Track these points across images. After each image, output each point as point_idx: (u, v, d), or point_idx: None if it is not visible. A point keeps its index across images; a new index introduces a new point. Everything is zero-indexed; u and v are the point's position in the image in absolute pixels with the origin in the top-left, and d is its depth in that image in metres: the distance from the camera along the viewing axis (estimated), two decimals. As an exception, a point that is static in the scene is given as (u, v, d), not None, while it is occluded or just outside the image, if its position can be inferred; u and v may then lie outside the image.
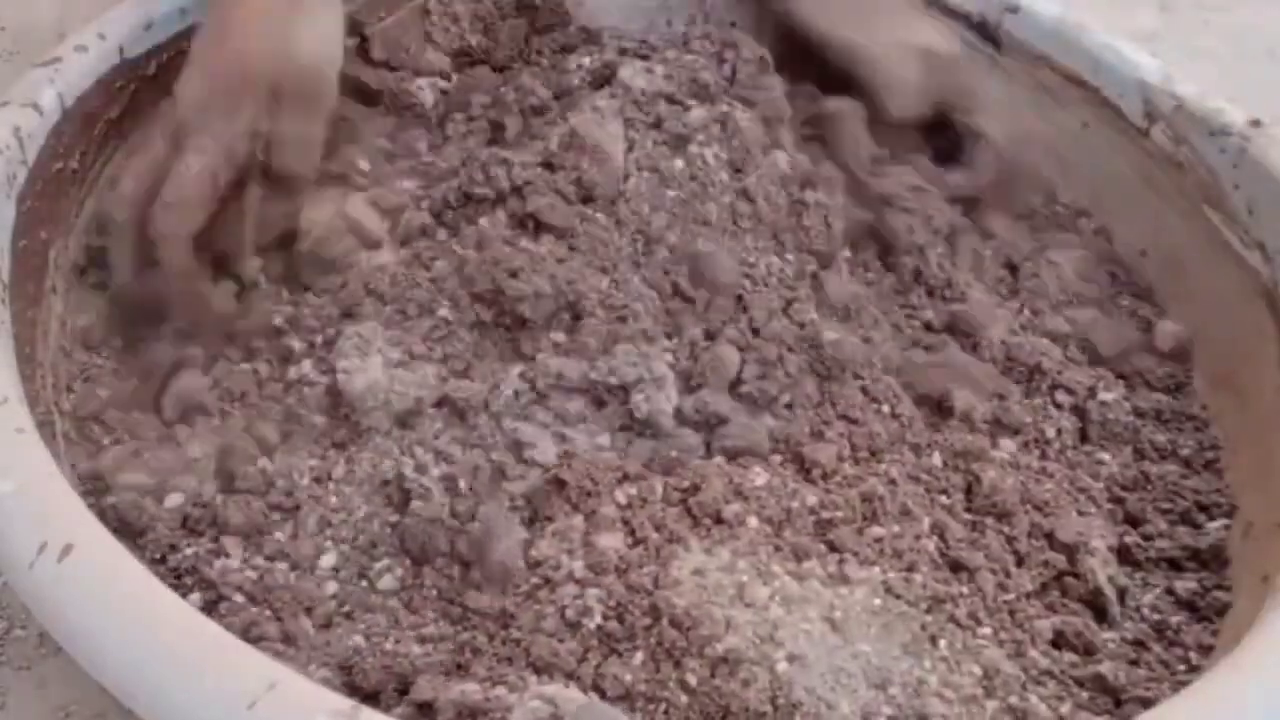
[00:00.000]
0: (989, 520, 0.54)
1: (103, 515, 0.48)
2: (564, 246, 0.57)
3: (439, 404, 0.54)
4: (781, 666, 0.45)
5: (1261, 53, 1.02)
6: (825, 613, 0.48)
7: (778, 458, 0.55)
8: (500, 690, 0.43)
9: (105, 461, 0.52)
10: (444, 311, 0.56)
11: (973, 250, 0.68)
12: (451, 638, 0.47)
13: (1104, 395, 0.62)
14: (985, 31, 0.75)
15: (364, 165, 0.64)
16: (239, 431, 0.54)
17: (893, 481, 0.54)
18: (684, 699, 0.44)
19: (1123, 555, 0.55)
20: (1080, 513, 0.56)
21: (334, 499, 0.51)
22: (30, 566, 0.39)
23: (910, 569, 0.50)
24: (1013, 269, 0.69)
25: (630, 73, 0.62)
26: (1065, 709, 0.47)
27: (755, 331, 0.57)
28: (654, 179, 0.59)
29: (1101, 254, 0.71)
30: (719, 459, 0.54)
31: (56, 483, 0.42)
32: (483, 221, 0.58)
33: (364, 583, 0.49)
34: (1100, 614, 0.52)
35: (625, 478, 0.51)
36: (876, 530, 0.51)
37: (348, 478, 0.52)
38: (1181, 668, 0.50)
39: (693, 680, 0.45)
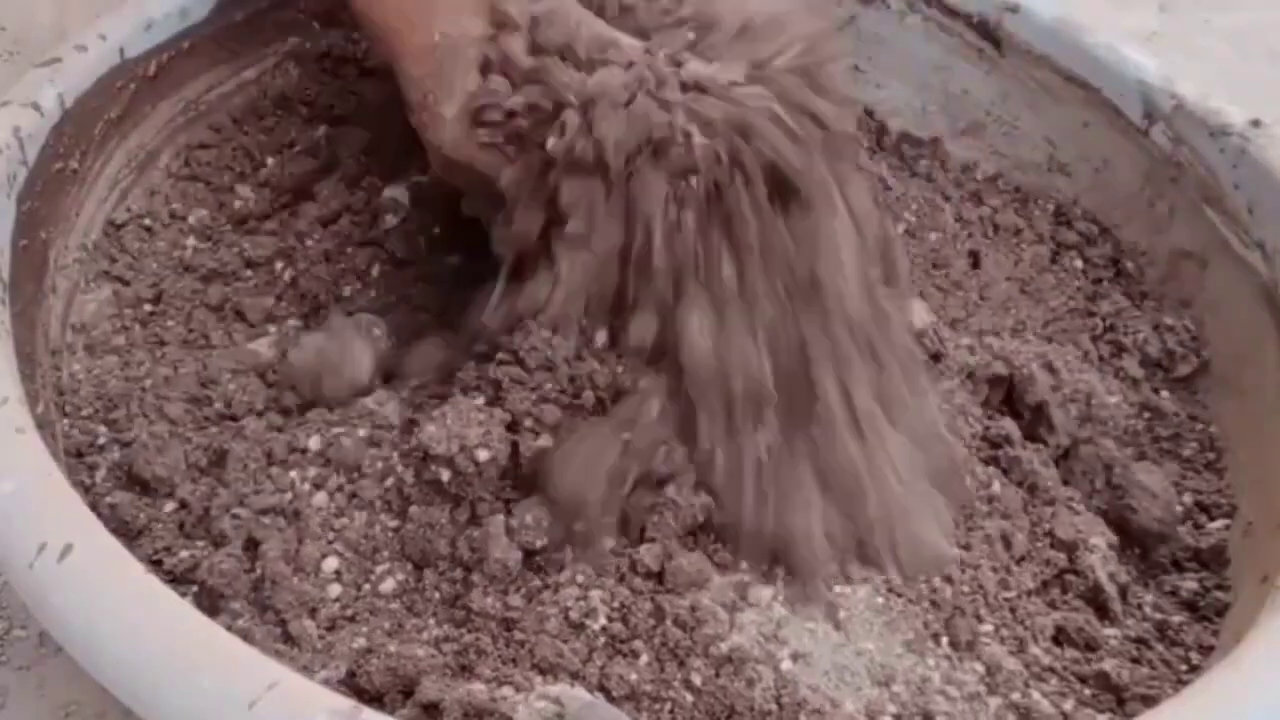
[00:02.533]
0: (989, 518, 0.54)
1: (100, 516, 0.48)
2: None
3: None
4: (786, 665, 0.45)
5: (1261, 53, 1.02)
6: (828, 611, 0.48)
7: None
8: (506, 691, 0.43)
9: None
10: None
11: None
12: (455, 639, 0.46)
13: (1104, 395, 0.62)
14: (985, 31, 0.75)
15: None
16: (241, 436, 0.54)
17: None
18: (689, 698, 0.44)
19: (1124, 554, 0.55)
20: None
21: (334, 505, 0.51)
22: (30, 566, 0.39)
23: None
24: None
25: None
26: (1068, 705, 0.47)
27: None
28: None
29: (1101, 254, 0.71)
30: None
31: (56, 483, 0.42)
32: None
33: (367, 586, 0.49)
34: (1102, 611, 0.52)
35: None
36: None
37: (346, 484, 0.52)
38: (1183, 667, 0.50)
39: (698, 680, 0.45)
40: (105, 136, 0.61)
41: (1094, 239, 0.72)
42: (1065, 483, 0.57)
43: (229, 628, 0.43)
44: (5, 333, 0.49)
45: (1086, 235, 0.72)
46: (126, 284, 0.61)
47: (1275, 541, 0.52)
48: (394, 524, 0.50)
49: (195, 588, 0.48)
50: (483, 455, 0.49)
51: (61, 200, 0.58)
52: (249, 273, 0.62)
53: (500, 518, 0.49)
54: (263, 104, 0.70)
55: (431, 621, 0.48)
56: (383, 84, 0.72)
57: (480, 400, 0.51)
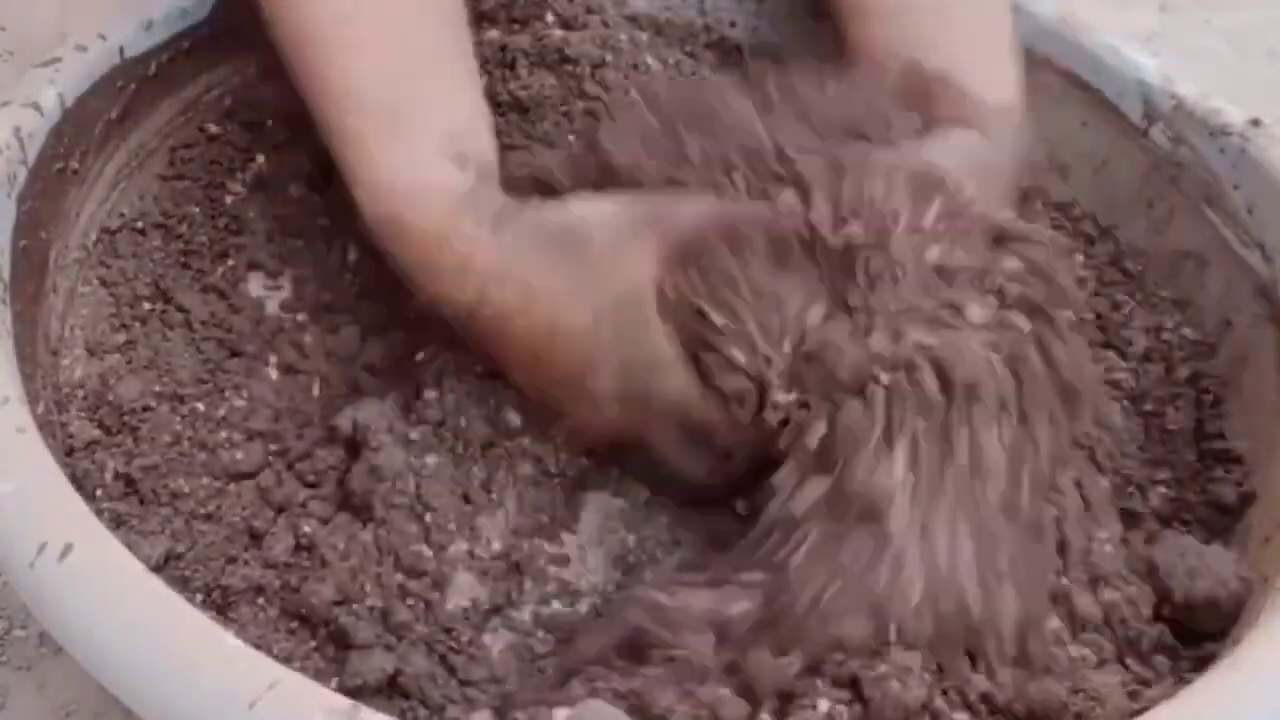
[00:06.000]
0: None
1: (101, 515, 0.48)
2: None
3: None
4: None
5: (1261, 53, 1.02)
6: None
7: None
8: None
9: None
10: None
11: None
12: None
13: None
14: (985, 31, 0.75)
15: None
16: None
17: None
18: None
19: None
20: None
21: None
22: (30, 566, 0.39)
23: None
24: None
25: None
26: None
27: None
28: None
29: (1101, 254, 0.71)
30: None
31: (56, 482, 0.42)
32: None
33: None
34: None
35: None
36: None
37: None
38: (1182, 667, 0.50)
39: None
40: (105, 136, 0.61)
41: (1094, 239, 0.72)
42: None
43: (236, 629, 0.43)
44: (5, 332, 0.49)
45: (1087, 235, 0.72)
46: (124, 284, 0.61)
47: (1276, 542, 0.52)
48: None
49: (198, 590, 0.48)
50: None
51: (61, 200, 0.58)
52: (244, 268, 0.63)
53: None
54: (256, 104, 0.70)
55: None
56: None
57: None
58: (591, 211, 0.48)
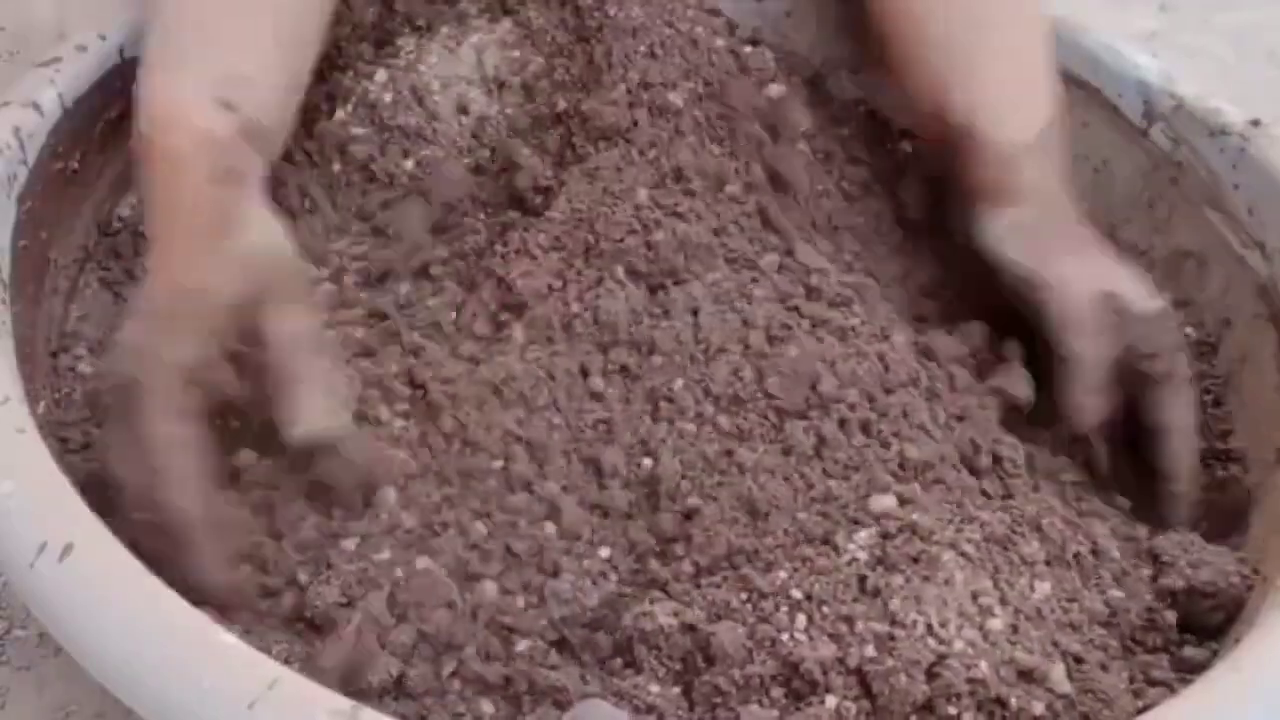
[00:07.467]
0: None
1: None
2: None
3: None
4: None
5: (1261, 53, 1.02)
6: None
7: None
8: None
9: None
10: None
11: None
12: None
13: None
14: (985, 32, 0.75)
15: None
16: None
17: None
18: None
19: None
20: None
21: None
22: (30, 566, 0.39)
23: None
24: None
25: None
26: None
27: None
28: None
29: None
30: None
31: (56, 483, 0.42)
32: None
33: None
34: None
35: None
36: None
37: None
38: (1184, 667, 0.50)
39: None
40: (105, 136, 0.61)
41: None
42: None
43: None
44: (5, 332, 0.49)
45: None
46: (124, 284, 0.61)
47: (1275, 541, 0.52)
48: None
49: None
50: None
51: (61, 200, 0.58)
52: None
53: None
54: None
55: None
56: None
57: None
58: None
